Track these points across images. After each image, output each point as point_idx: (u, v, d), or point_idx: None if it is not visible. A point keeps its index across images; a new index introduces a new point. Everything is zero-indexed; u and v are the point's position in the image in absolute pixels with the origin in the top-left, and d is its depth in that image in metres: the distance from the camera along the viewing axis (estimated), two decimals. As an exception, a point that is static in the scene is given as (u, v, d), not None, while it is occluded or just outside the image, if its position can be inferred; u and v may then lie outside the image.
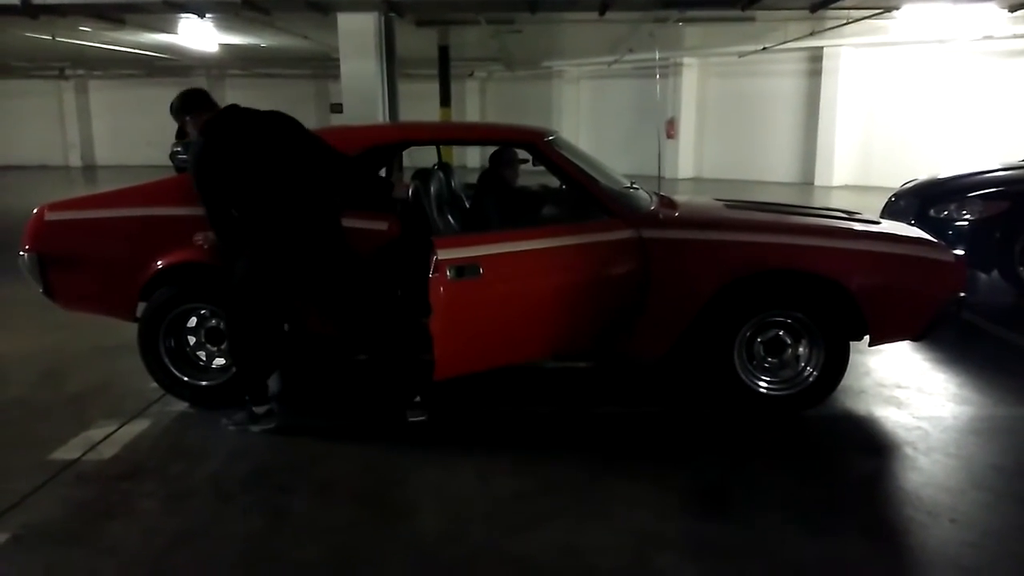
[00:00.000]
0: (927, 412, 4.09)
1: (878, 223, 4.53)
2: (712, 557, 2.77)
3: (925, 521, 3.01)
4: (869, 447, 3.75)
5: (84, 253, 4.05)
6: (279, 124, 3.58)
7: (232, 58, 20.81)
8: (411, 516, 3.06)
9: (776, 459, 3.57)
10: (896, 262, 3.96)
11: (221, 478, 3.36)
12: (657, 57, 14.27)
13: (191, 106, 3.59)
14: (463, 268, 3.53)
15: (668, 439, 3.80)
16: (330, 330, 3.96)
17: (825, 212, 4.77)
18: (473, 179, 5.37)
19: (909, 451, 3.64)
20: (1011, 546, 2.84)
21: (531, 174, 4.99)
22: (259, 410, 3.76)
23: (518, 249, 3.75)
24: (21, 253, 4.06)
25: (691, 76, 19.52)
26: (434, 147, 5.26)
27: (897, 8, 11.15)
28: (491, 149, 4.99)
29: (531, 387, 4.46)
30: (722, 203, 4.81)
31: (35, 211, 4.10)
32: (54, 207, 4.11)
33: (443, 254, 3.51)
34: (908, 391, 4.39)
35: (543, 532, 2.92)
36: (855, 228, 4.21)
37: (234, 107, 3.60)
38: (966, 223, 6.62)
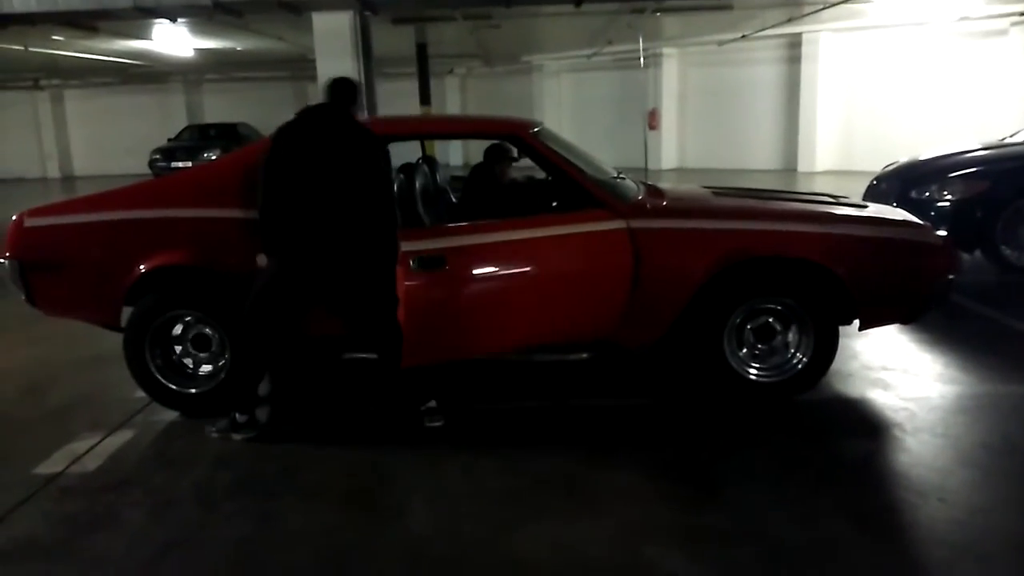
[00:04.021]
0: (914, 393, 4.11)
1: (865, 207, 4.54)
2: (702, 544, 2.77)
3: (914, 501, 3.02)
4: (858, 430, 3.75)
5: (66, 258, 3.97)
6: (351, 144, 3.45)
7: (208, 63, 20.64)
8: (400, 516, 3.04)
9: (765, 445, 3.57)
10: (884, 245, 3.96)
11: (207, 486, 3.33)
12: (641, 46, 14.22)
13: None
14: (426, 259, 3.62)
15: (656, 429, 3.79)
16: (329, 331, 3.85)
17: (812, 197, 4.76)
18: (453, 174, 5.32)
19: (897, 432, 3.66)
20: (1000, 522, 2.86)
21: (520, 168, 4.96)
22: (241, 418, 3.72)
23: (486, 241, 3.78)
24: (1, 260, 4.02)
25: (671, 66, 19.53)
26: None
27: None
28: (473, 143, 4.95)
29: (518, 381, 4.45)
30: (709, 190, 4.79)
31: (14, 217, 4.05)
32: (34, 213, 4.05)
33: (407, 246, 3.58)
34: (894, 373, 4.40)
35: (533, 528, 2.91)
36: (842, 213, 4.21)
37: (317, 109, 3.51)
38: (948, 204, 6.64)
